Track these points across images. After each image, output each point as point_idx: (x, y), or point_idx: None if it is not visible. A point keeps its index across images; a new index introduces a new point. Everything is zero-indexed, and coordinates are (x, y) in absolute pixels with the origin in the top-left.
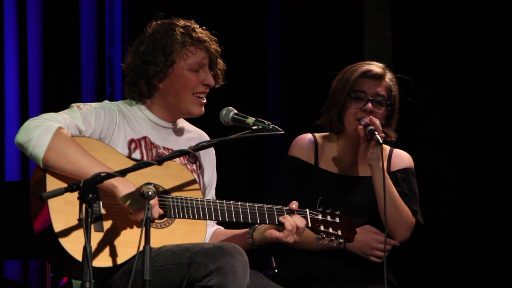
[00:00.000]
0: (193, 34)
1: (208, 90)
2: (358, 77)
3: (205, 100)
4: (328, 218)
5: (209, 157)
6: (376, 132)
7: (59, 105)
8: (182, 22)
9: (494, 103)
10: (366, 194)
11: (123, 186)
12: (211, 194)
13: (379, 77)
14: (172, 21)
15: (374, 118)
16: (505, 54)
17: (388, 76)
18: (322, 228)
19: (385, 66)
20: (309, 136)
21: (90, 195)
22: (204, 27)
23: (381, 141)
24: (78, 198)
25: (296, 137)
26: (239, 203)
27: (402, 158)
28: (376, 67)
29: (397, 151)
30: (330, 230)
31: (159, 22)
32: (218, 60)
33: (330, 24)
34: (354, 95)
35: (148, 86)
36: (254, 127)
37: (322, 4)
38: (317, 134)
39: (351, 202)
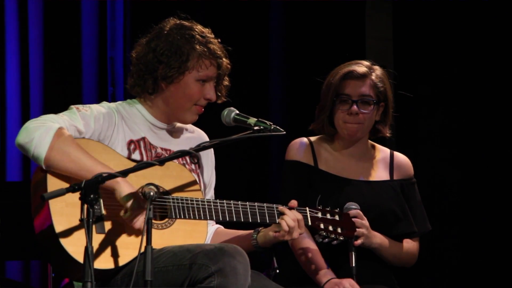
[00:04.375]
0: (211, 47)
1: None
2: (340, 79)
3: (203, 109)
4: (328, 216)
5: (207, 157)
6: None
7: (60, 106)
8: (200, 29)
9: (496, 103)
10: (366, 196)
11: (124, 186)
12: (210, 194)
13: (362, 76)
14: (191, 26)
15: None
16: (506, 53)
17: (374, 74)
18: (322, 226)
19: (372, 63)
20: (304, 139)
21: (92, 196)
22: (219, 39)
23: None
24: (80, 198)
25: (291, 141)
26: (239, 202)
27: (405, 167)
28: (359, 66)
29: (397, 157)
30: (330, 228)
31: (177, 22)
32: (226, 77)
33: (331, 25)
34: (339, 98)
35: (154, 85)
36: (255, 128)
37: (324, 5)
38: (311, 138)
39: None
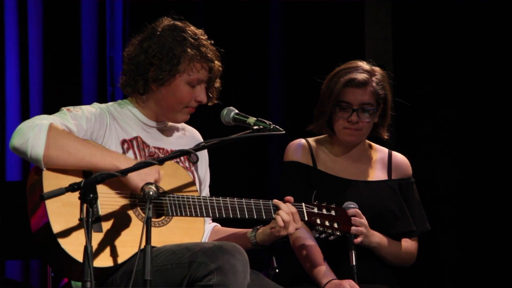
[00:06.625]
0: (203, 50)
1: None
2: (342, 86)
3: (194, 109)
4: (324, 211)
5: (201, 155)
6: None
7: (60, 105)
8: (192, 31)
9: (496, 102)
10: (365, 196)
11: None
12: (205, 192)
13: (364, 84)
14: (184, 27)
15: (360, 226)
16: (506, 53)
17: (375, 79)
18: (318, 221)
19: (372, 64)
20: (302, 140)
21: (91, 195)
22: (212, 41)
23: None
24: (79, 198)
25: (289, 143)
26: (235, 199)
27: (403, 167)
28: (360, 73)
29: (396, 157)
30: (327, 223)
31: (170, 23)
32: (217, 79)
33: (331, 24)
34: (339, 106)
35: (145, 86)
36: (255, 127)
37: (323, 4)
38: (309, 138)
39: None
